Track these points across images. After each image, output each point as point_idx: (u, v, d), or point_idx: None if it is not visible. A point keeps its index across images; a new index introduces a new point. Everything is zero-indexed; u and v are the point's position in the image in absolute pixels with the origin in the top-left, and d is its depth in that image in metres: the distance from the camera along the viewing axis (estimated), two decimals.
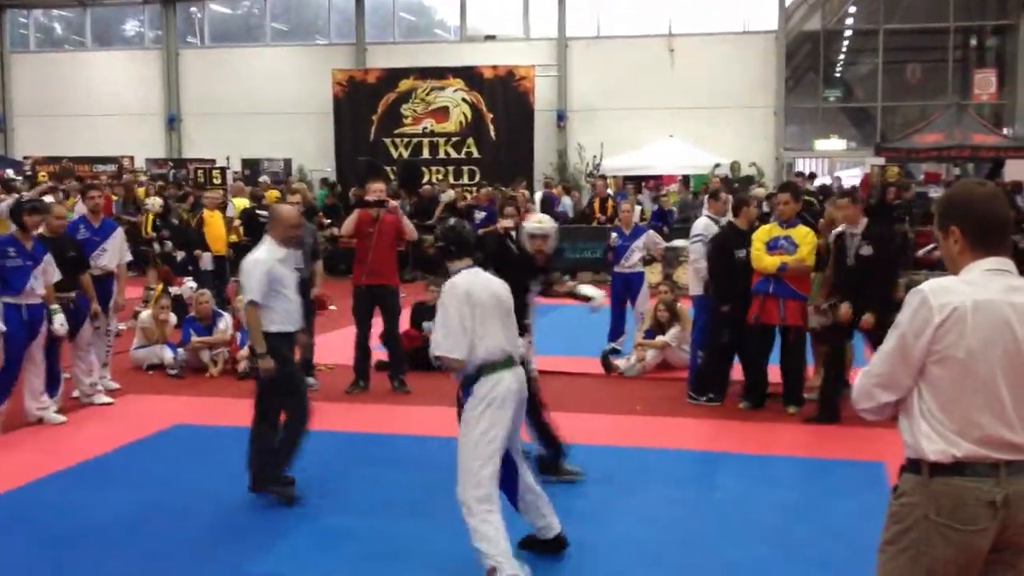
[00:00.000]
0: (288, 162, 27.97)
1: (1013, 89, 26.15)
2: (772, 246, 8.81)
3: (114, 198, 20.94)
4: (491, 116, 27.30)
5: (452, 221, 5.92)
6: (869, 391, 3.25)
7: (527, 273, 6.98)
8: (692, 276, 9.94)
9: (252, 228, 13.91)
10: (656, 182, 24.38)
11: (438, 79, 27.56)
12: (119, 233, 10.12)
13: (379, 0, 29.63)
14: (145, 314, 11.31)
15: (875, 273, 8.26)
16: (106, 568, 5.52)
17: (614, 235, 11.69)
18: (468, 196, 21.38)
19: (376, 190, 9.82)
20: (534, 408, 6.57)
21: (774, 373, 9.17)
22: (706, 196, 11.49)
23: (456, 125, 27.55)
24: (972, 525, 3.05)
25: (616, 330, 11.54)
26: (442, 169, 27.22)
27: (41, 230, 8.72)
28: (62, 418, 8.68)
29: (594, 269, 19.27)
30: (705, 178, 22.51)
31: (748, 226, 9.24)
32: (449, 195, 21.34)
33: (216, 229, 14.59)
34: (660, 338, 10.72)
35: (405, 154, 27.33)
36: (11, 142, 31.56)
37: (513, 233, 7.52)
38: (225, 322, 11.03)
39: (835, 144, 27.92)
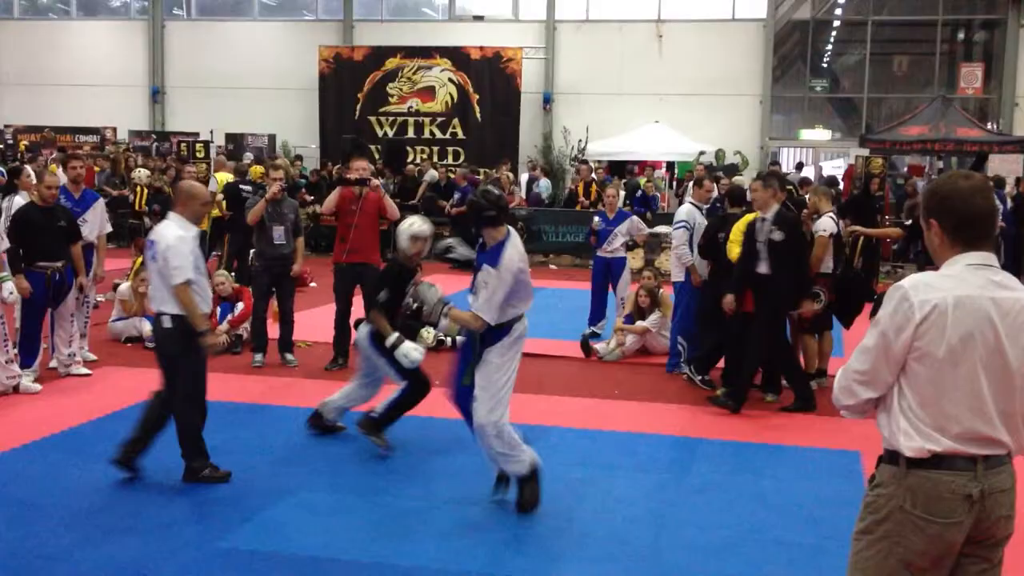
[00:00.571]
0: (272, 138, 27.80)
1: (999, 84, 26.26)
2: None
3: (97, 170, 20.85)
4: (477, 97, 27.24)
5: (494, 188, 6.08)
6: (851, 388, 3.24)
7: None
8: (674, 262, 9.98)
9: (235, 203, 13.88)
10: (641, 167, 24.40)
11: (425, 58, 27.46)
12: (100, 204, 10.07)
13: None
14: (124, 286, 11.26)
15: (784, 258, 8.34)
16: (79, 539, 5.51)
17: (597, 219, 11.69)
18: (451, 176, 21.36)
19: (360, 168, 9.80)
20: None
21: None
22: (690, 183, 11.52)
23: (442, 105, 27.46)
24: (948, 518, 3.07)
25: (596, 314, 11.57)
26: (427, 149, 27.15)
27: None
28: (38, 387, 8.65)
29: (575, 253, 19.33)
30: (690, 165, 22.55)
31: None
32: (433, 175, 21.30)
33: None
34: (640, 323, 10.74)
35: (390, 133, 27.28)
36: None
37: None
38: None
39: (820, 134, 27.98)
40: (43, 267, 8.69)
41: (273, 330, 10.11)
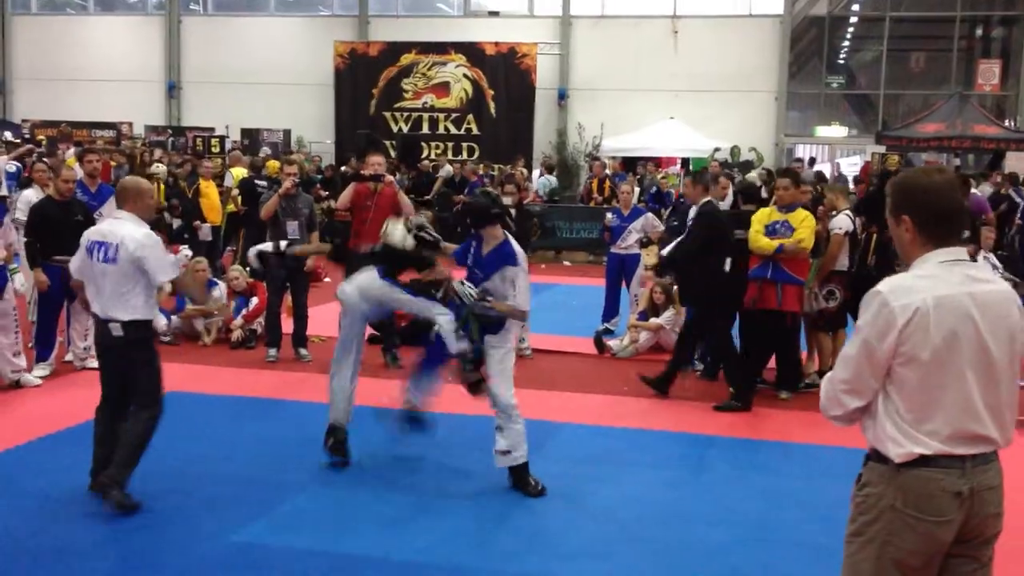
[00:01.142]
0: (287, 133, 27.87)
1: (1017, 80, 26.12)
2: (770, 231, 8.77)
3: (113, 164, 20.91)
4: (492, 93, 27.24)
5: (491, 191, 6.30)
6: (837, 398, 3.21)
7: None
8: None
9: (250, 198, 13.91)
10: (655, 163, 24.32)
11: (440, 54, 27.48)
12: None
13: None
14: None
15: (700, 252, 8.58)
16: (94, 533, 5.54)
17: (611, 215, 11.68)
18: (467, 172, 21.35)
19: (375, 163, 9.80)
20: None
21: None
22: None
23: (457, 101, 27.47)
24: (938, 516, 3.05)
25: (610, 311, 11.55)
26: (441, 144, 27.17)
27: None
28: (37, 380, 8.72)
29: (589, 250, 19.30)
30: (704, 162, 22.46)
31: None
32: (448, 170, 21.30)
33: (212, 199, 14.57)
34: (654, 320, 10.73)
35: (405, 128, 27.30)
36: (10, 105, 31.39)
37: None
38: (219, 291, 11.03)
39: (836, 131, 27.86)
40: (60, 261, 8.72)
41: (287, 325, 10.15)
